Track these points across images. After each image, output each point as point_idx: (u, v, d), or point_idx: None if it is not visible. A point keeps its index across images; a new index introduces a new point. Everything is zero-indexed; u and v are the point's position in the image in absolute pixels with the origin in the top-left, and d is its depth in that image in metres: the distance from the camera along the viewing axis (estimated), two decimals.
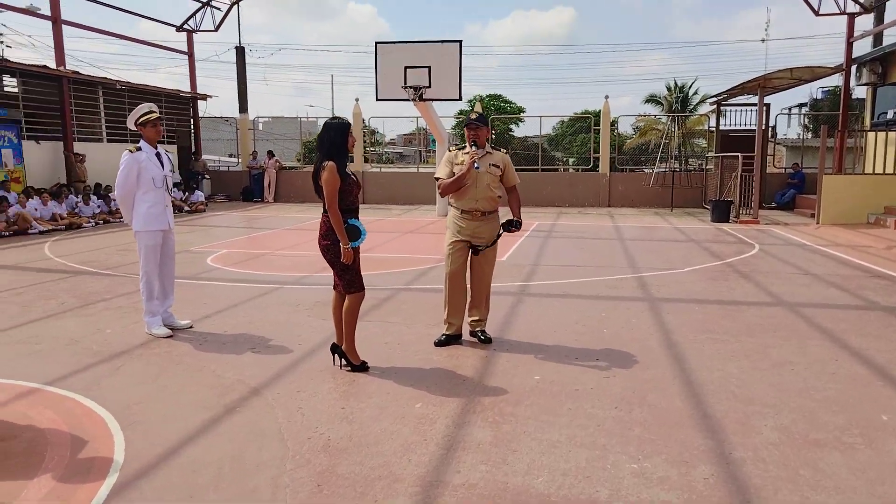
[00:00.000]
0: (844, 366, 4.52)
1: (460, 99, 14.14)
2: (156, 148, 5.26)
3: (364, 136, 21.24)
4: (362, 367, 4.42)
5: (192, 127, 20.83)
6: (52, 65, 15.45)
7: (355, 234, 4.31)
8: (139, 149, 5.16)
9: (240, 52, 21.32)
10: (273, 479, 2.93)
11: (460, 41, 14.13)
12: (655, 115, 29.24)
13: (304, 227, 13.55)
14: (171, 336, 5.21)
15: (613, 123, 21.87)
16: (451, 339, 5.06)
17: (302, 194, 19.68)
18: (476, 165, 4.77)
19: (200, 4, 20.42)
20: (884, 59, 16.82)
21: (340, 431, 3.44)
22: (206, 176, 20.26)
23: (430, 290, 6.94)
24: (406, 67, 14.05)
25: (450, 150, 5.03)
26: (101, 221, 13.90)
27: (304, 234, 12.30)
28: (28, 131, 14.74)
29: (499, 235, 5.03)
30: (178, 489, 2.84)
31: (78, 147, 15.71)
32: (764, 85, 15.09)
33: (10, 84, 15.04)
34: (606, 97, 19.55)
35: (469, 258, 5.03)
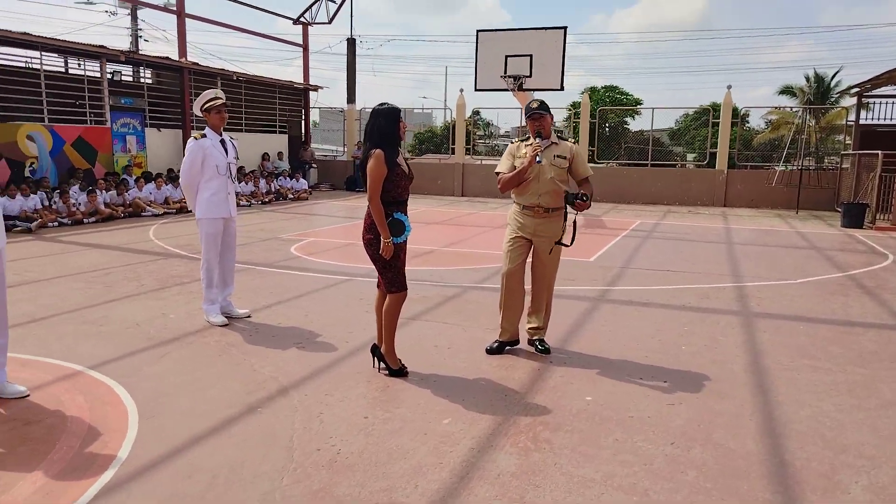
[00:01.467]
0: None
1: (562, 89, 13.48)
2: (220, 135, 5.26)
3: (469, 126, 20.99)
4: (400, 372, 4.15)
5: (304, 117, 21.51)
6: (176, 56, 16.43)
7: (399, 228, 4.03)
8: (204, 135, 5.17)
9: (350, 43, 21.74)
10: (264, 496, 2.72)
11: (565, 27, 13.47)
12: (789, 108, 26.63)
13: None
14: (226, 325, 5.21)
15: (736, 115, 20.16)
16: (504, 347, 4.67)
17: (416, 186, 19.74)
18: (538, 159, 4.34)
19: None
20: None
21: (354, 445, 3.18)
22: (314, 165, 20.87)
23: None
24: (507, 56, 13.62)
25: (512, 142, 4.63)
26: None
27: None
28: (151, 119, 15.76)
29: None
30: (164, 496, 2.70)
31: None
32: None
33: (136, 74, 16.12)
34: (729, 87, 18.07)
35: (530, 259, 4.62)
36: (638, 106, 38.01)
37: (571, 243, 4.63)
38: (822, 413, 3.65)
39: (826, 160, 19.47)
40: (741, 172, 18.18)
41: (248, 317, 5.48)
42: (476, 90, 14.24)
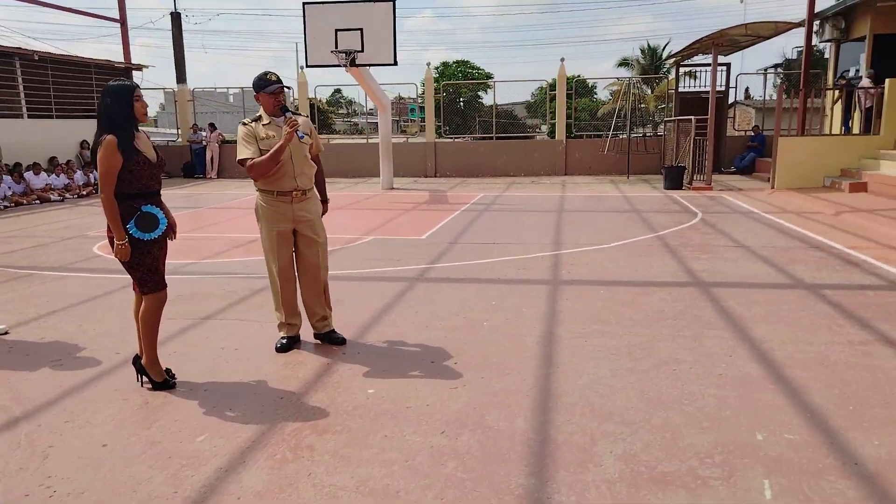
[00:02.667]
0: (737, 364, 3.87)
1: (395, 63, 13.21)
2: None
3: (322, 105, 20.19)
4: (165, 385, 3.70)
5: None
6: None
7: (151, 223, 3.56)
8: None
9: (175, 17, 20.07)
10: None
11: (393, 0, 13.15)
12: (617, 79, 28.21)
13: (235, 204, 12.72)
14: None
15: (573, 87, 20.95)
16: (293, 342, 4.34)
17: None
18: (300, 134, 3.98)
19: None
20: (847, 14, 16.06)
21: (75, 483, 2.73)
22: None
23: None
24: (336, 30, 13.10)
25: (244, 125, 4.09)
26: (13, 205, 12.94)
27: (227, 213, 11.49)
28: None
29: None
30: None
31: None
32: (719, 42, 14.30)
33: None
34: (562, 60, 18.65)
35: (295, 249, 4.27)
36: (489, 80, 38.71)
37: None
38: (597, 380, 3.68)
39: (652, 127, 20.78)
40: (578, 142, 18.97)
41: (5, 333, 4.74)
42: (307, 66, 13.64)
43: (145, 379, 3.72)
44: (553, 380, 3.70)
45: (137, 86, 3.57)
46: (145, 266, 3.56)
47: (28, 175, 13.86)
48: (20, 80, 15.85)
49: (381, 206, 12.24)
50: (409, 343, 4.38)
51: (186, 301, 5.53)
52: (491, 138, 19.81)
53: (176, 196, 14.61)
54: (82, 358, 4.24)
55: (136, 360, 3.75)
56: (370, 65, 13.50)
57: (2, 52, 15.20)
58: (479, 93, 39.12)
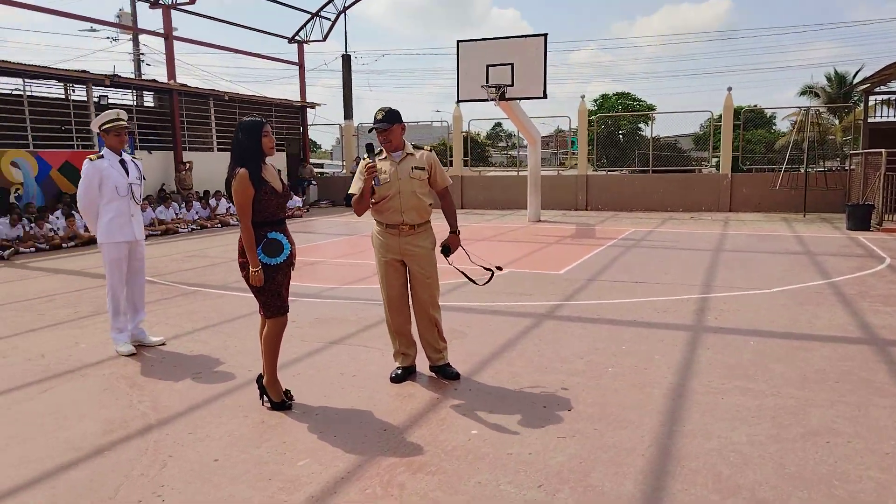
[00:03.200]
0: None
1: (545, 97, 13.13)
2: (120, 155, 5.04)
3: (479, 139, 20.70)
4: (282, 405, 3.84)
5: (301, 135, 21.48)
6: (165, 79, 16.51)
7: (276, 249, 3.74)
8: (101, 156, 4.96)
9: (346, 59, 21.69)
10: None
11: (545, 35, 13.15)
12: (799, 108, 25.72)
13: None
14: (133, 354, 4.97)
15: (739, 118, 19.48)
16: (408, 374, 4.33)
17: None
18: (375, 182, 3.99)
19: (310, 16, 21.04)
20: None
21: (181, 495, 2.87)
22: (313, 182, 20.81)
23: (451, 308, 6.18)
24: (488, 66, 13.33)
25: (363, 160, 4.15)
26: (199, 227, 14.55)
27: None
28: (141, 141, 15.81)
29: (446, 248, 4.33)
30: None
31: (188, 156, 16.64)
32: None
33: (127, 97, 16.18)
34: (729, 89, 17.49)
35: (408, 280, 4.27)
36: (651, 112, 37.33)
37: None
38: (729, 445, 3.23)
39: (833, 161, 18.67)
40: (746, 176, 17.55)
41: (163, 344, 5.23)
42: (458, 102, 13.99)
43: (266, 398, 3.88)
44: (676, 440, 3.32)
45: (265, 123, 3.79)
46: (270, 291, 3.74)
47: (212, 202, 15.55)
48: (213, 117, 17.92)
49: (524, 238, 12.11)
50: (525, 384, 4.19)
51: (322, 325, 5.77)
52: (647, 171, 18.96)
53: (335, 224, 15.59)
54: (219, 372, 4.54)
55: (260, 380, 3.93)
56: (520, 98, 13.54)
57: (200, 94, 17.32)
58: (641, 125, 37.85)
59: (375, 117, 4.10)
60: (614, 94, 40.20)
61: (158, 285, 7.77)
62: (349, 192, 4.18)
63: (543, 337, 5.29)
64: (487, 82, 13.28)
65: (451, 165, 20.29)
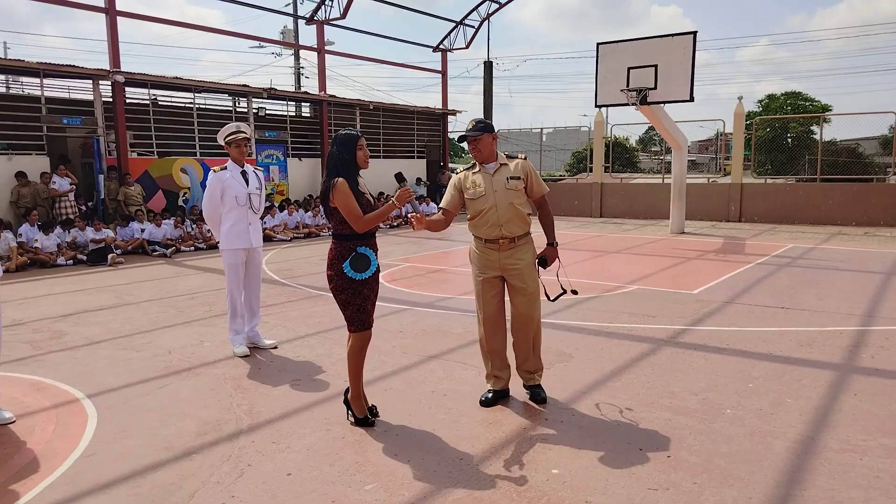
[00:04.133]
0: None
1: (691, 100, 12.21)
2: (242, 166, 5.32)
3: (613, 144, 19.88)
4: (365, 422, 3.80)
5: (442, 141, 21.88)
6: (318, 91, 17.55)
7: (363, 264, 3.72)
8: (224, 168, 5.26)
9: (487, 66, 21.78)
10: None
11: (694, 33, 12.23)
12: None
13: None
14: (247, 355, 5.21)
15: None
16: (498, 397, 4.12)
17: (551, 206, 19.11)
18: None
19: (454, 24, 21.38)
20: None
21: None
22: None
23: (562, 327, 5.88)
24: (629, 68, 12.68)
25: (456, 173, 4.00)
26: None
27: None
28: (293, 149, 16.92)
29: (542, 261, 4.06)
30: None
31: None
32: None
33: (280, 108, 17.38)
34: None
35: (505, 297, 4.08)
36: (824, 112, 33.67)
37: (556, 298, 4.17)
38: None
39: None
40: None
41: (275, 348, 5.45)
42: (596, 106, 13.42)
43: (350, 413, 3.87)
44: None
45: (360, 136, 3.77)
46: (355, 305, 3.71)
47: None
48: (358, 125, 18.77)
49: (661, 251, 11.34)
50: (623, 420, 3.81)
51: (426, 337, 5.72)
52: (815, 180, 17.05)
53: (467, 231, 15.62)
54: (317, 381, 4.62)
55: (346, 394, 3.92)
56: (663, 102, 12.71)
57: (346, 104, 18.21)
58: (814, 126, 34.25)
59: (467, 127, 4.00)
60: (782, 94, 36.78)
61: (287, 287, 8.19)
62: (440, 205, 4.08)
63: (658, 366, 4.82)
64: (628, 86, 12.64)
65: (591, 172, 19.63)
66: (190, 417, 3.95)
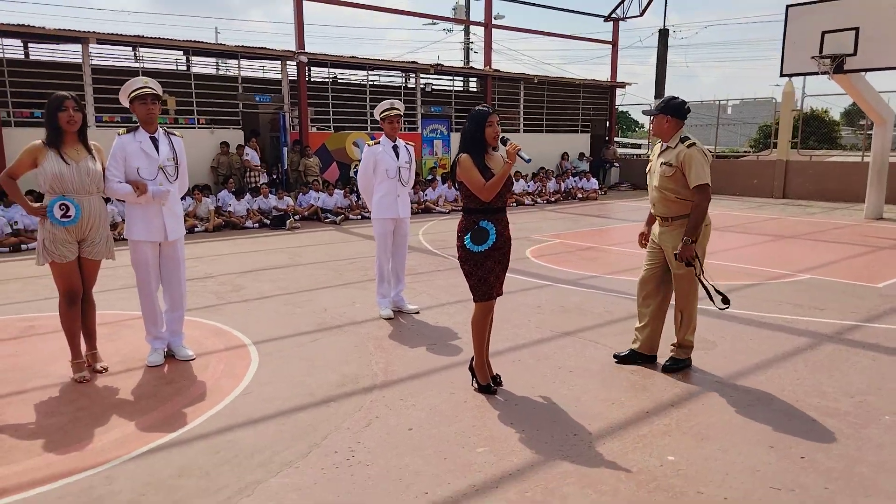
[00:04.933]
0: None
1: None
2: (394, 141, 5.63)
3: (806, 117, 17.97)
4: (487, 389, 3.94)
5: (609, 115, 21.15)
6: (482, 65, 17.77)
7: (482, 237, 3.81)
8: (378, 143, 5.61)
9: (663, 35, 20.56)
10: (247, 486, 2.93)
11: None
12: None
13: None
14: (391, 318, 5.58)
15: None
16: (635, 357, 4.36)
17: (721, 185, 17.76)
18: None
19: None
20: None
21: (371, 455, 3.17)
22: (616, 164, 20.40)
23: (711, 313, 5.58)
24: (824, 32, 11.35)
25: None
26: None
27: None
28: (457, 124, 17.35)
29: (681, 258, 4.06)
30: (162, 473, 3.11)
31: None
32: None
33: (447, 84, 17.83)
34: None
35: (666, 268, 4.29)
36: None
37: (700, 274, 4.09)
38: None
39: None
40: None
41: (417, 313, 5.77)
42: (781, 76, 12.19)
43: (474, 380, 4.03)
44: None
45: (491, 112, 3.83)
46: (477, 276, 3.84)
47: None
48: (521, 100, 18.74)
49: (848, 238, 10.14)
50: (759, 416, 3.57)
51: (564, 314, 5.72)
52: None
53: (628, 208, 15.11)
54: (450, 346, 4.85)
55: (472, 361, 4.09)
56: (864, 70, 11.23)
57: (511, 78, 18.24)
58: None
59: (650, 105, 4.24)
60: None
61: (437, 257, 8.55)
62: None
63: (813, 363, 4.42)
64: (821, 52, 11.34)
65: (776, 147, 17.91)
66: (333, 370, 4.36)
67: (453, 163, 3.88)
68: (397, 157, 5.61)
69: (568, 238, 10.38)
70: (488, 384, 3.95)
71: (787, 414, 3.59)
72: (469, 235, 3.79)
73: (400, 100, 15.71)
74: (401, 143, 5.69)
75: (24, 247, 9.23)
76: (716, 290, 4.04)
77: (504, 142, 3.84)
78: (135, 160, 4.24)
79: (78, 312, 4.17)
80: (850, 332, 5.11)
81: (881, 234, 10.63)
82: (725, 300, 4.03)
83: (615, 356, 4.44)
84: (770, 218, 12.91)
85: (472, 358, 4.08)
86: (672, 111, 4.09)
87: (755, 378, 4.14)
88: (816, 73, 11.44)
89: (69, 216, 3.97)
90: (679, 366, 4.26)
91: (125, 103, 4.31)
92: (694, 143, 4.03)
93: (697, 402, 3.77)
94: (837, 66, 11.10)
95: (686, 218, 4.03)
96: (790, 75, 12.35)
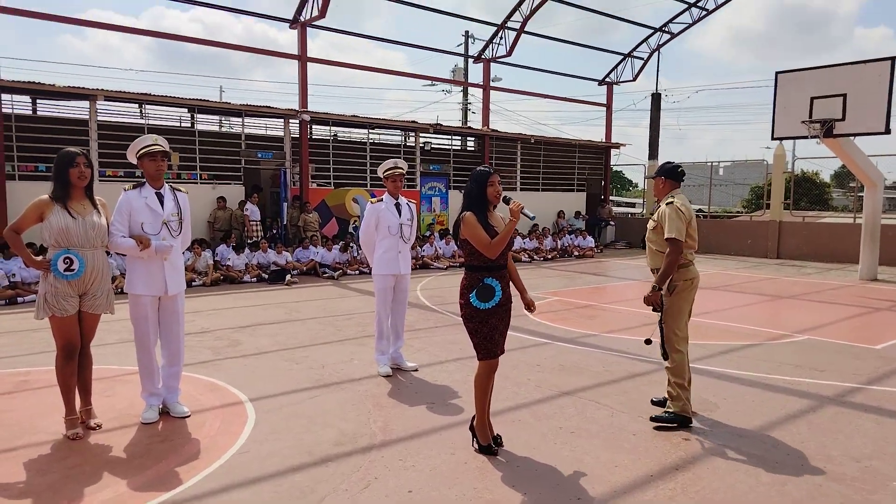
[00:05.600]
0: None
1: (887, 132, 10.95)
2: (396, 199, 5.71)
3: (797, 179, 18.31)
4: (488, 450, 3.88)
5: (604, 175, 21.51)
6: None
7: (488, 294, 3.83)
8: (380, 200, 5.69)
9: (655, 98, 21.14)
10: None
11: (892, 59, 11.00)
12: None
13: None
14: (389, 375, 5.53)
15: None
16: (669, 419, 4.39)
17: (717, 245, 17.94)
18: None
19: (622, 57, 21.10)
20: None
21: None
22: (611, 222, 20.62)
23: (712, 374, 5.56)
24: (812, 98, 11.70)
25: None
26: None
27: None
28: (455, 182, 17.61)
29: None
30: None
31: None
32: None
33: (445, 143, 18.19)
34: None
35: None
36: None
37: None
38: None
39: None
40: None
41: (415, 370, 5.72)
42: (773, 139, 12.48)
43: (475, 440, 3.97)
44: None
45: (493, 172, 3.91)
46: (482, 334, 3.83)
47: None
48: (518, 159, 19.09)
49: (844, 299, 10.18)
50: (762, 483, 3.51)
51: (563, 372, 5.68)
52: None
53: (625, 266, 15.17)
54: (450, 405, 4.79)
55: (472, 421, 4.04)
56: (852, 135, 11.53)
57: (508, 138, 18.64)
58: None
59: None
60: None
61: (436, 314, 8.53)
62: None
63: (816, 426, 4.38)
64: (810, 117, 11.65)
65: (769, 208, 18.17)
66: (331, 427, 4.29)
67: (456, 220, 3.93)
68: (399, 215, 5.68)
69: (565, 296, 10.39)
70: (489, 444, 3.89)
71: (794, 478, 3.54)
72: (475, 293, 3.80)
73: (400, 157, 16.08)
74: (403, 200, 5.78)
75: (20, 300, 9.19)
76: (661, 342, 4.40)
77: (507, 200, 3.91)
78: (140, 215, 4.29)
79: (75, 367, 4.13)
80: (852, 395, 5.08)
81: (877, 295, 10.68)
82: (665, 355, 4.39)
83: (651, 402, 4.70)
84: (766, 278, 12.99)
85: (473, 417, 4.03)
86: (665, 174, 4.58)
87: (759, 441, 4.09)
88: (807, 137, 11.73)
89: (72, 269, 3.98)
90: (662, 420, 4.33)
91: (133, 160, 4.39)
92: (672, 202, 4.38)
93: (702, 466, 3.72)
94: (827, 130, 11.39)
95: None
96: (781, 138, 12.64)
